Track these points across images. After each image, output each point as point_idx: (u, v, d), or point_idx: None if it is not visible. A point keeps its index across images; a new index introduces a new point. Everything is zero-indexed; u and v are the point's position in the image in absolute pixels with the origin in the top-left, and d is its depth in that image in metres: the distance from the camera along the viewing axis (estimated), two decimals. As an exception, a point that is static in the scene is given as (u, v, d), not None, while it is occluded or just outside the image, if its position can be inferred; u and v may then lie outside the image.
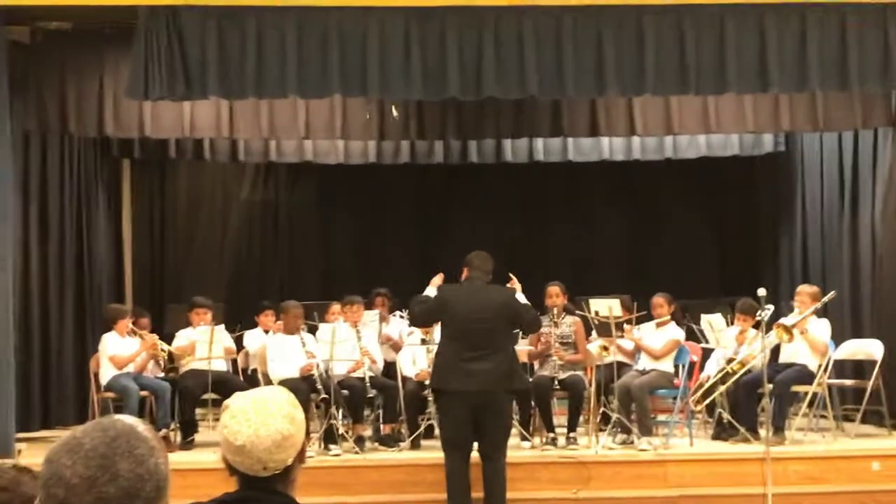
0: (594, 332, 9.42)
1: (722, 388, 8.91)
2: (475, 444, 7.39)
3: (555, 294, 9.28)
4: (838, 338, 9.69)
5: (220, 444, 2.48)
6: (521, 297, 7.63)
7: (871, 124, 10.06)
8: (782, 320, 9.03)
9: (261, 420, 2.40)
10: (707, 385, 9.08)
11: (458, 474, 7.28)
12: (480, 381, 7.13)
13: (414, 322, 8.21)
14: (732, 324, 9.46)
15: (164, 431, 9.01)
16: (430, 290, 7.63)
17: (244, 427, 2.39)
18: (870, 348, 9.50)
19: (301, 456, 2.48)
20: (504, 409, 7.41)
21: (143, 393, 9.29)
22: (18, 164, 9.69)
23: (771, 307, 8.75)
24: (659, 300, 9.45)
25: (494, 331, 7.27)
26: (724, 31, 8.43)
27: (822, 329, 9.08)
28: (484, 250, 7.72)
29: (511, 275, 8.02)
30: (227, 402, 2.49)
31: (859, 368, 10.01)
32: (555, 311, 9.23)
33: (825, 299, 9.08)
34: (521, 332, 8.82)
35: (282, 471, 2.42)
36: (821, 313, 9.38)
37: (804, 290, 9.26)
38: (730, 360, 8.99)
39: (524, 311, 7.50)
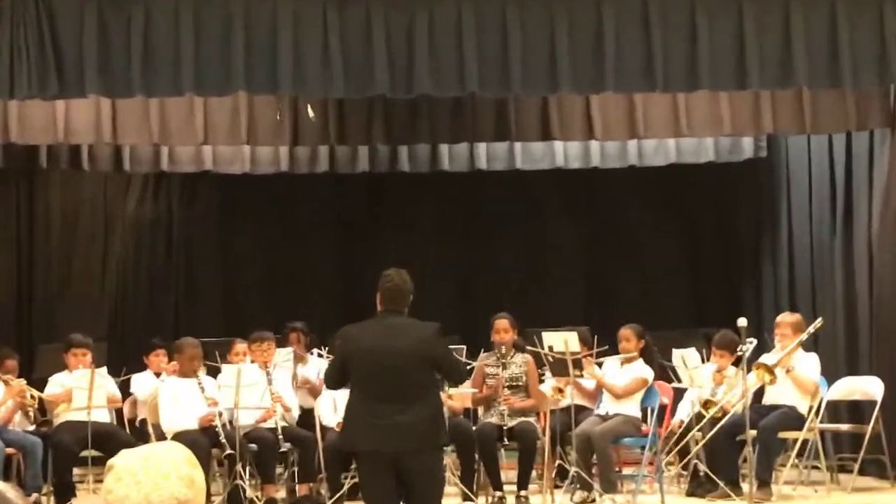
0: (548, 371, 9.46)
1: (697, 435, 8.99)
2: None
3: (503, 328, 9.32)
4: (832, 375, 9.82)
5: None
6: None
7: (867, 125, 10.24)
8: (763, 358, 9.13)
9: (152, 483, 2.40)
10: (680, 431, 9.16)
11: None
12: (397, 439, 7.02)
13: (328, 385, 8.03)
14: (708, 360, 9.56)
15: (34, 496, 8.89)
16: None
17: (132, 491, 2.39)
18: (868, 387, 9.65)
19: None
20: (432, 468, 7.32)
21: (9, 450, 9.15)
22: None
23: (754, 340, 8.87)
24: (626, 333, 9.52)
25: (411, 376, 7.13)
26: (695, 20, 8.56)
27: (810, 366, 9.21)
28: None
29: None
30: (111, 460, 2.48)
31: (856, 410, 10.15)
32: (503, 348, 9.26)
33: (810, 329, 9.22)
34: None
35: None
36: (809, 347, 9.52)
37: (784, 320, 9.37)
38: (706, 403, 9.07)
39: (448, 355, 7.38)
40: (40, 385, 9.83)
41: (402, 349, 7.00)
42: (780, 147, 11.98)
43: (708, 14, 8.55)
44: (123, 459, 2.45)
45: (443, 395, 8.99)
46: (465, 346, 9.91)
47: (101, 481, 2.53)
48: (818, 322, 9.40)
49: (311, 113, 10.14)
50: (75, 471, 9.58)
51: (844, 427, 10.17)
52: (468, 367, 9.62)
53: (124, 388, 10.25)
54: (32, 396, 9.61)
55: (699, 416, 9.08)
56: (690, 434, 9.14)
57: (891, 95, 10.04)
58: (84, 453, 9.33)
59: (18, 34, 8.12)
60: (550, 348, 9.28)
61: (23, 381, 9.70)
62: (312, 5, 8.35)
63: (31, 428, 9.75)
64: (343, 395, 9.25)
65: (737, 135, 11.07)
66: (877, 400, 9.39)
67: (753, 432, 8.56)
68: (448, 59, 8.44)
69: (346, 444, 7.47)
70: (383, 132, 10.52)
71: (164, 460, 2.45)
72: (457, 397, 9.26)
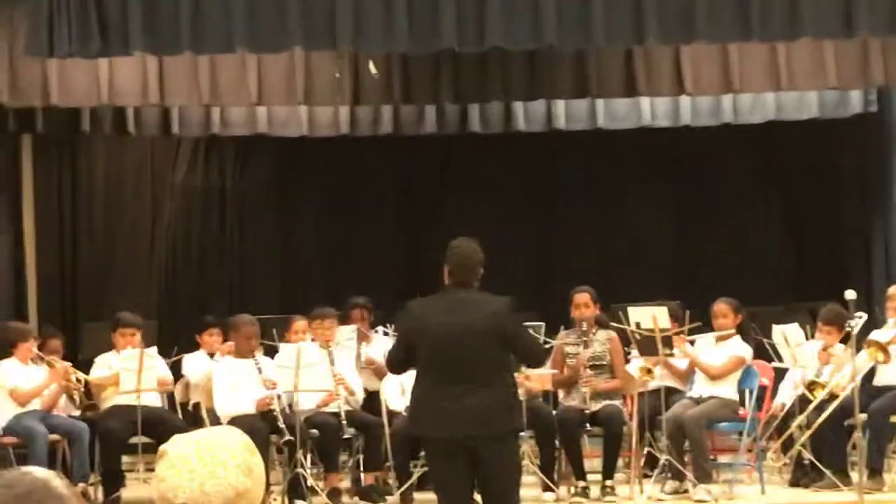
0: (635, 350, 9.43)
1: (801, 420, 8.91)
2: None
3: (583, 303, 9.29)
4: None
5: (154, 502, 2.47)
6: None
7: None
8: (874, 335, 9.04)
9: (208, 471, 2.40)
10: (781, 416, 9.09)
11: None
12: (468, 424, 7.05)
13: (390, 368, 8.07)
14: (813, 336, 9.48)
15: (81, 486, 9.01)
16: None
17: (186, 481, 2.39)
18: None
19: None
20: (507, 454, 7.30)
21: (54, 437, 9.26)
22: None
23: (863, 315, 8.75)
24: (722, 308, 9.45)
25: (483, 355, 7.12)
26: (797, -41, 8.46)
27: (928, 341, 9.11)
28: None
29: None
30: (162, 447, 2.48)
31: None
32: (584, 325, 9.25)
33: (926, 301, 9.12)
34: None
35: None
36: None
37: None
38: (811, 384, 8.99)
39: (521, 333, 7.36)
40: (86, 367, 9.94)
41: (472, 326, 6.99)
42: (893, 102, 11.83)
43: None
44: (176, 446, 2.46)
45: (519, 377, 9.01)
46: (543, 324, 9.86)
47: (152, 469, 2.55)
48: (936, 293, 9.28)
49: (373, 70, 10.13)
50: (124, 458, 9.70)
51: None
52: (546, 347, 9.62)
53: (176, 370, 10.33)
54: (78, 379, 9.73)
55: (803, 399, 9.00)
56: (794, 419, 9.05)
57: None
58: (133, 440, 9.45)
59: (57, -12, 8.21)
60: (637, 325, 9.25)
61: (68, 364, 9.84)
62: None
63: (77, 413, 9.88)
64: (411, 377, 9.31)
65: (843, 88, 10.95)
66: None
67: (864, 416, 8.48)
68: (522, 9, 8.42)
69: (414, 429, 7.50)
70: (452, 90, 10.51)
71: (221, 447, 2.45)
72: (535, 378, 9.26)
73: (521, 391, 8.90)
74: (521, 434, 8.20)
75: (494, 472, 7.12)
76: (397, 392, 9.41)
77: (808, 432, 8.91)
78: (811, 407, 8.79)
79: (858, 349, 8.38)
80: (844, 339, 8.83)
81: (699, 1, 8.44)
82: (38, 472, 1.57)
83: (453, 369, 7.03)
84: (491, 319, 7.05)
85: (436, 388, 7.09)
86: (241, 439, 2.50)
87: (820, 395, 8.79)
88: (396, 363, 7.45)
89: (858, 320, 8.27)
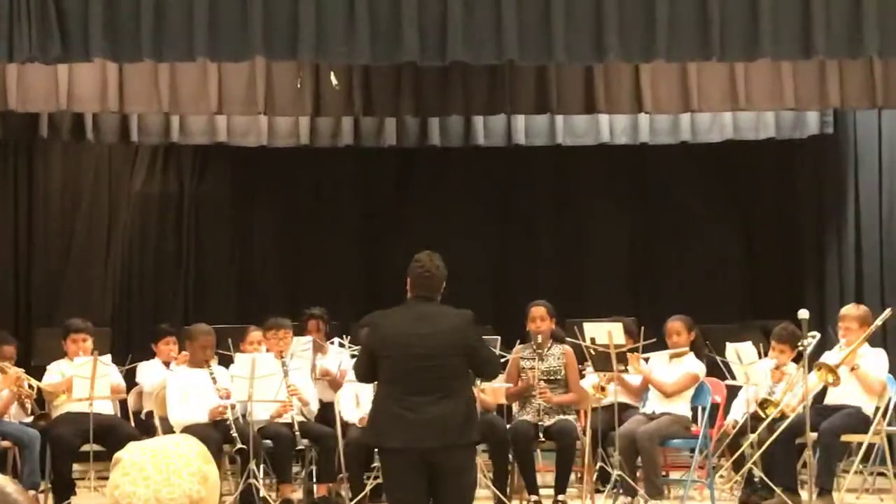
0: (589, 366, 9.46)
1: (753, 438, 8.96)
2: None
3: (539, 317, 9.31)
4: (901, 373, 9.80)
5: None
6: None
7: (945, 100, 10.20)
8: (825, 357, 9.10)
9: (163, 479, 2.41)
10: (734, 433, 9.13)
11: None
12: (428, 435, 7.10)
13: (358, 377, 8.10)
14: (766, 355, 9.54)
15: (31, 493, 8.94)
16: None
17: (141, 488, 2.39)
18: (942, 386, 9.61)
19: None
20: (464, 466, 7.37)
21: (5, 443, 9.24)
22: None
23: (816, 335, 8.82)
24: (676, 325, 9.51)
25: (444, 367, 7.20)
26: (756, -18, 8.52)
27: (877, 363, 9.17)
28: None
29: None
30: (117, 455, 2.48)
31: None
32: (539, 338, 9.26)
33: (878, 322, 9.19)
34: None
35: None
36: (877, 342, 9.47)
37: (849, 313, 9.33)
38: (763, 402, 9.05)
39: (481, 347, 7.44)
40: (38, 373, 9.89)
41: (434, 338, 7.06)
42: (848, 123, 11.92)
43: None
44: (131, 453, 2.46)
45: (474, 390, 9.02)
46: (498, 337, 9.90)
47: (103, 478, 2.55)
48: (887, 313, 9.34)
49: (334, 81, 10.14)
50: (75, 466, 9.64)
51: (915, 430, 10.14)
52: (502, 360, 9.64)
53: (129, 378, 10.30)
54: (30, 386, 9.67)
55: (755, 417, 9.05)
56: (745, 437, 9.10)
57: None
58: (85, 447, 9.40)
59: (18, -7, 8.16)
60: (593, 340, 9.28)
61: (20, 370, 9.77)
62: (337, -37, 8.36)
63: (29, 420, 9.79)
64: (366, 389, 9.31)
65: (800, 109, 11.02)
66: (952, 401, 9.35)
67: (814, 435, 8.53)
68: (484, 24, 8.42)
69: (373, 439, 7.50)
70: (412, 103, 10.51)
71: (175, 455, 2.45)
72: (489, 392, 9.28)
73: (475, 405, 8.95)
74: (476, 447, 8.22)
75: (452, 483, 7.16)
76: (352, 403, 9.40)
77: (760, 450, 8.96)
78: (763, 425, 8.84)
79: (810, 369, 8.43)
80: (797, 358, 8.88)
81: (659, 20, 8.46)
82: (-7, 477, 1.57)
83: (416, 380, 7.08)
84: (454, 332, 7.13)
85: (397, 398, 7.13)
86: (196, 448, 2.51)
87: (772, 413, 8.84)
88: (362, 375, 7.46)
89: (811, 340, 8.34)
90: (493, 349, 7.72)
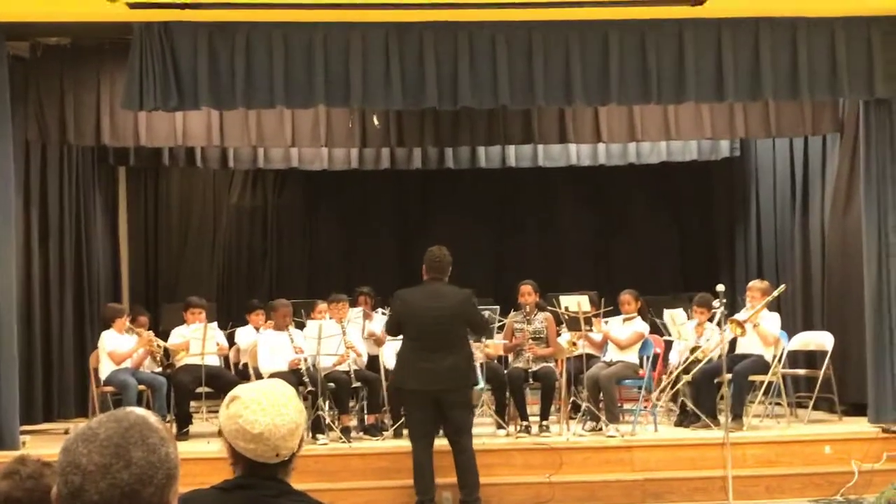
0: (564, 327, 9.46)
1: (685, 378, 8.95)
2: (441, 432, 7.50)
3: (527, 292, 9.31)
4: (791, 330, 9.77)
5: (221, 435, 2.46)
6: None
7: (821, 131, 10.15)
8: (736, 315, 9.08)
9: (275, 410, 2.41)
10: (674, 376, 9.12)
11: (421, 462, 7.38)
12: (442, 379, 7.17)
13: (388, 333, 8.20)
14: (691, 318, 9.51)
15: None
16: None
17: (261, 416, 2.39)
18: (821, 339, 9.58)
19: (301, 444, 2.50)
20: (465, 401, 7.46)
21: (141, 387, 9.25)
22: (20, 171, 9.63)
23: (724, 300, 8.80)
24: (626, 297, 9.50)
25: (453, 330, 7.29)
26: (682, 45, 8.48)
27: (772, 323, 9.15)
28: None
29: None
30: (232, 393, 2.47)
31: (811, 358, 10.06)
32: (527, 308, 9.26)
33: (775, 293, 9.16)
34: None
35: (288, 458, 2.44)
36: (774, 307, 9.45)
37: (755, 285, 9.32)
38: (694, 349, 9.05)
39: (477, 316, 7.55)
40: (164, 336, 9.93)
41: (444, 309, 7.18)
42: (751, 148, 11.89)
43: (693, 40, 8.48)
44: (246, 392, 2.46)
45: (480, 346, 9.03)
46: (498, 307, 9.90)
47: (213, 412, 2.55)
48: (781, 288, 9.33)
49: (375, 121, 10.15)
50: (192, 403, 9.67)
51: (801, 372, 10.10)
52: (500, 324, 9.64)
53: (230, 339, 10.33)
54: (159, 345, 9.71)
55: (689, 361, 9.01)
56: (679, 378, 9.08)
57: (840, 106, 9.93)
58: (199, 390, 9.43)
59: (146, 59, 8.16)
60: (566, 308, 9.27)
61: (151, 333, 9.82)
62: (378, 35, 8.34)
63: (158, 370, 9.85)
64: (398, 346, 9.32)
65: (716, 138, 10.96)
66: (828, 350, 9.32)
67: (729, 376, 8.51)
68: (485, 78, 8.42)
69: (398, 382, 7.58)
70: (433, 136, 10.49)
71: (280, 393, 2.47)
72: (492, 347, 9.27)
73: (481, 356, 8.95)
74: (479, 387, 8.24)
75: (456, 413, 7.24)
76: (392, 356, 9.39)
77: (686, 382, 8.94)
78: (694, 369, 8.80)
79: (721, 325, 8.38)
80: (712, 319, 8.86)
81: (612, 75, 8.45)
82: (140, 411, 1.58)
83: (431, 340, 7.15)
84: (458, 306, 7.26)
85: (416, 353, 7.22)
86: (290, 389, 2.52)
87: (700, 357, 8.80)
88: (391, 331, 7.78)
89: (720, 305, 8.25)
90: (485, 316, 7.79)
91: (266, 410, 2.40)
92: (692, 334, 9.29)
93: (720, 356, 8.39)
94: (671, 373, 9.20)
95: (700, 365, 8.69)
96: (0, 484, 2.61)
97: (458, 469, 7.38)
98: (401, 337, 7.63)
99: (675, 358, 9.44)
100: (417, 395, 7.27)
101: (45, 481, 2.62)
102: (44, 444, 8.58)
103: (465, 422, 7.41)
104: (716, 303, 8.21)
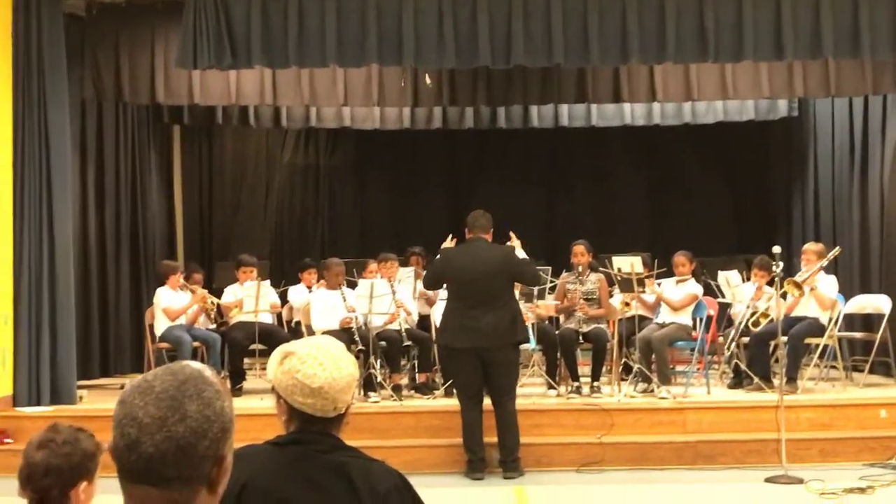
0: (617, 288, 9.40)
1: (740, 341, 8.83)
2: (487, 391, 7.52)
3: (580, 252, 9.26)
4: (848, 293, 9.64)
5: (274, 391, 2.47)
6: (520, 253, 7.63)
7: (881, 90, 9.93)
8: (794, 278, 8.97)
9: (333, 364, 2.43)
10: (731, 338, 9.01)
11: (470, 420, 7.39)
12: (483, 336, 7.15)
13: (425, 286, 8.20)
14: (748, 280, 9.40)
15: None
16: None
17: (319, 371, 2.41)
18: (878, 303, 9.44)
19: (353, 399, 2.52)
20: (509, 360, 7.38)
21: (195, 343, 9.36)
22: (76, 130, 9.75)
23: (782, 263, 8.70)
24: (680, 258, 9.40)
25: (495, 287, 7.26)
26: (741, 1, 8.33)
27: (829, 285, 9.02)
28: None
29: (511, 233, 8.03)
30: (287, 349, 2.48)
31: (868, 322, 9.93)
32: (580, 268, 9.21)
33: (830, 255, 9.03)
34: (535, 288, 8.79)
35: (343, 412, 2.45)
36: (830, 270, 9.32)
37: (809, 248, 9.19)
38: (753, 314, 8.94)
39: (524, 267, 7.47)
40: (217, 294, 10.03)
41: (485, 266, 7.20)
42: (809, 108, 11.70)
43: (753, -3, 8.33)
44: (300, 347, 2.48)
45: (531, 306, 9.01)
46: (549, 267, 9.86)
47: (265, 368, 2.56)
48: (837, 250, 9.20)
49: (428, 81, 10.10)
50: (245, 360, 9.78)
51: (858, 335, 9.99)
52: (552, 284, 9.61)
53: (283, 297, 10.40)
54: (213, 303, 9.82)
55: (742, 326, 8.91)
56: (734, 340, 9.00)
57: (903, 65, 9.71)
58: (252, 347, 9.54)
59: (200, 18, 8.19)
60: (619, 269, 9.21)
61: (205, 291, 9.92)
62: (431, -7, 8.29)
63: (213, 327, 9.95)
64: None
65: (773, 97, 10.77)
66: (885, 313, 9.18)
67: (784, 338, 8.43)
68: (538, 36, 8.33)
69: (444, 341, 7.59)
70: (486, 96, 10.44)
71: (336, 348, 2.49)
72: (543, 307, 9.25)
73: (533, 316, 8.94)
74: (525, 346, 8.20)
75: (500, 372, 7.25)
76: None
77: (741, 344, 8.86)
78: (754, 331, 8.69)
79: (782, 290, 8.29)
80: (771, 283, 8.75)
81: (669, 32, 8.33)
82: (195, 365, 1.59)
83: (474, 297, 7.17)
84: (500, 262, 7.27)
85: (461, 311, 7.23)
86: (342, 345, 2.53)
87: (763, 322, 8.69)
88: (429, 285, 7.84)
89: (779, 267, 8.15)
90: (531, 264, 7.69)
91: (324, 365, 2.42)
92: (748, 297, 9.18)
93: (777, 318, 8.29)
94: (731, 337, 9.08)
95: (761, 326, 8.58)
96: (35, 455, 2.63)
97: (498, 428, 7.39)
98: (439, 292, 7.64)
99: (738, 320, 9.32)
100: (462, 353, 7.27)
101: (81, 445, 2.65)
102: (100, 399, 8.75)
103: (506, 382, 7.38)
104: (777, 267, 8.11)
